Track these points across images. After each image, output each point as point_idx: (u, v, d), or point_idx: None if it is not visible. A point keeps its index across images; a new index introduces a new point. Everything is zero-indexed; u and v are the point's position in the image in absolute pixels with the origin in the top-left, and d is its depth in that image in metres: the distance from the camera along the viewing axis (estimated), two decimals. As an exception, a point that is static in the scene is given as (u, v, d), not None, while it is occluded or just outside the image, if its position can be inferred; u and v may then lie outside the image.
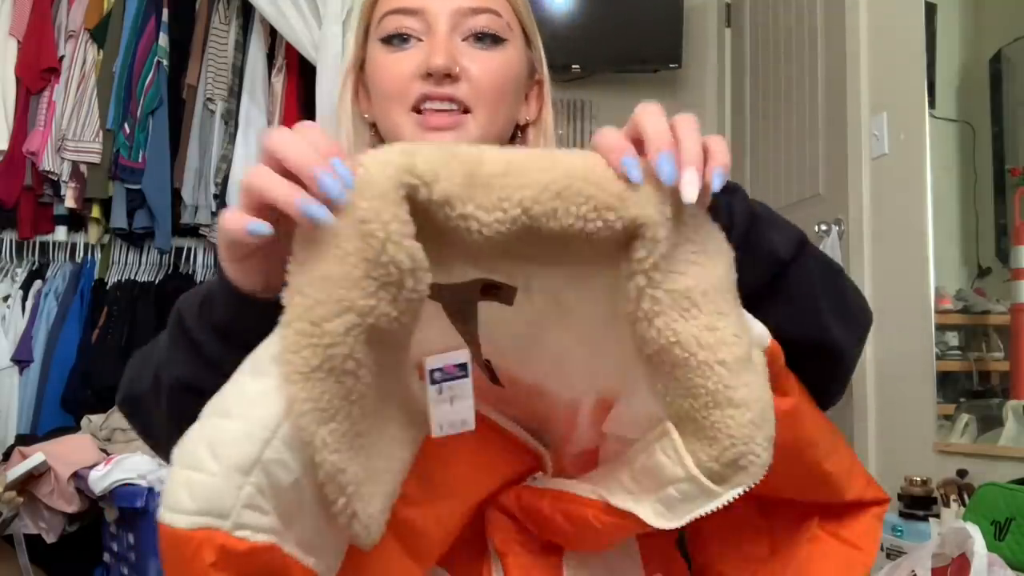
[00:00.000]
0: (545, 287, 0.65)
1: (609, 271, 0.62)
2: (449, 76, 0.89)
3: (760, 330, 0.66)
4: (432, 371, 0.62)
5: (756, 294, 0.69)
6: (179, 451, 0.56)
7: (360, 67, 0.99)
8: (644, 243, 0.59)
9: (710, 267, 0.62)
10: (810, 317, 0.74)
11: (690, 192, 0.59)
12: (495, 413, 0.74)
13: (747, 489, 0.63)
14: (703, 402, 0.61)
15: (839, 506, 0.77)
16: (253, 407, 0.56)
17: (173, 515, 0.55)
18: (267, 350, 0.57)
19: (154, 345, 0.77)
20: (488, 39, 0.92)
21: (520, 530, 0.76)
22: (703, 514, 0.63)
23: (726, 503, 0.63)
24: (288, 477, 0.56)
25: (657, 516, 0.65)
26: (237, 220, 0.59)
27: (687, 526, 0.65)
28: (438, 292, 0.61)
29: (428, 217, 0.56)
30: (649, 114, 0.62)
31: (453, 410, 0.64)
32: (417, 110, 0.89)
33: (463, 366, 0.63)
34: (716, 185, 0.61)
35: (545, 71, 1.01)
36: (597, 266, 0.62)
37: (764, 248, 0.72)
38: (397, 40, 0.91)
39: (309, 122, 0.61)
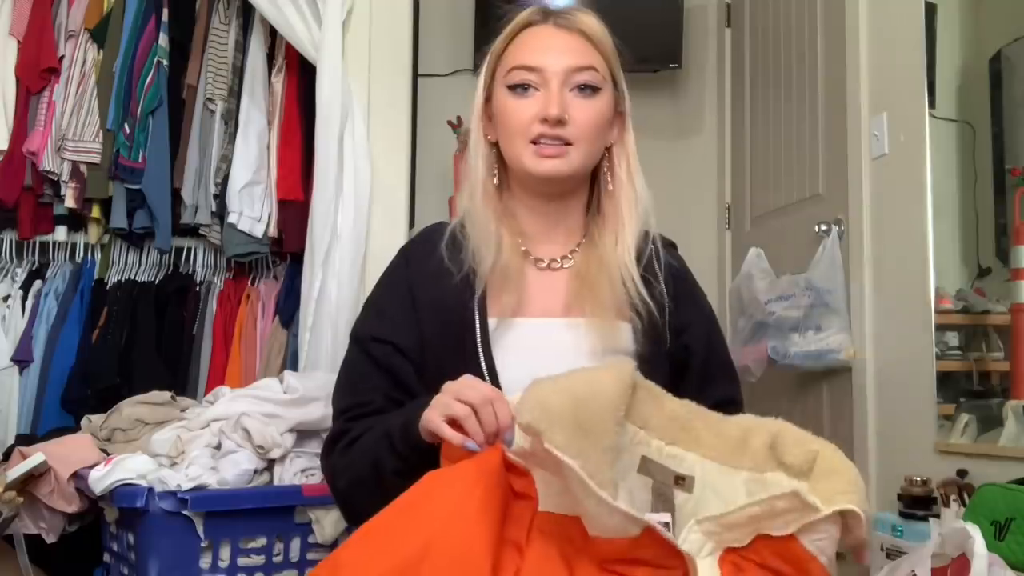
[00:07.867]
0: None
1: None
2: (560, 122, 1.21)
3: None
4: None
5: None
6: None
7: (486, 99, 1.30)
8: None
9: None
10: None
11: None
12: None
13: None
14: None
15: None
16: None
17: None
18: None
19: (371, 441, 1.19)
20: (588, 90, 1.24)
21: None
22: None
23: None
24: None
25: None
26: (456, 437, 1.02)
27: None
28: (645, 465, 1.02)
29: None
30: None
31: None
32: (534, 142, 1.23)
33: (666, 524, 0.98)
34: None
35: (627, 104, 1.31)
36: None
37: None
38: (520, 89, 1.24)
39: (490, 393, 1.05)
